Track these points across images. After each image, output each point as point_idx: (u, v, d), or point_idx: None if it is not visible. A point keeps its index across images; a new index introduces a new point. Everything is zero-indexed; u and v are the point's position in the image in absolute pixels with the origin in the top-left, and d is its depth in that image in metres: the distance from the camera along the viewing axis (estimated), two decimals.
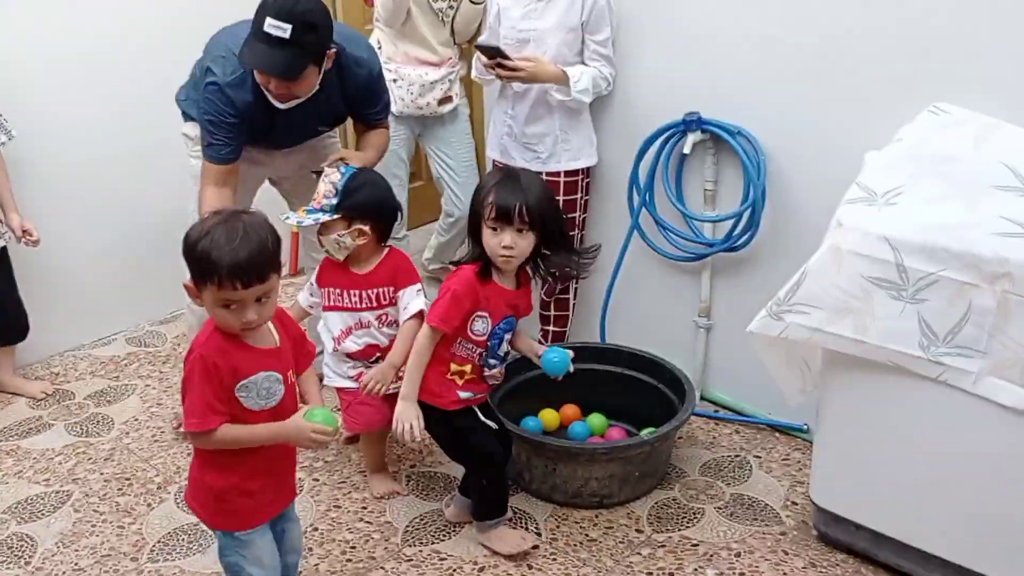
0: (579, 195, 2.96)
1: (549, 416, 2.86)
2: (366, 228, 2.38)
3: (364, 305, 2.47)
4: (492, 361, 2.26)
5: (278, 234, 1.73)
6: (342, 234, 2.37)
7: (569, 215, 2.94)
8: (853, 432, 2.18)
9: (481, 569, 2.33)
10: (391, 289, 2.45)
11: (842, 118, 2.48)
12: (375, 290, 2.46)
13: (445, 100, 3.25)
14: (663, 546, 2.40)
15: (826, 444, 2.26)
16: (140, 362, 3.44)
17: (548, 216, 2.11)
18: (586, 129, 2.92)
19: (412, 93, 3.19)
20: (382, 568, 2.34)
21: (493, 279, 2.17)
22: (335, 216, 2.35)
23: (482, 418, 2.33)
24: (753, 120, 2.66)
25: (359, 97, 2.69)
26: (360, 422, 2.56)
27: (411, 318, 2.39)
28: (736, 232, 2.75)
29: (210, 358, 1.71)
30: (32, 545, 2.45)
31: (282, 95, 2.49)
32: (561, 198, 2.91)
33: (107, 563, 2.37)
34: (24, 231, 2.95)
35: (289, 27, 2.30)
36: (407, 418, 2.17)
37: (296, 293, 2.72)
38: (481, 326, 2.19)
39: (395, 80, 3.19)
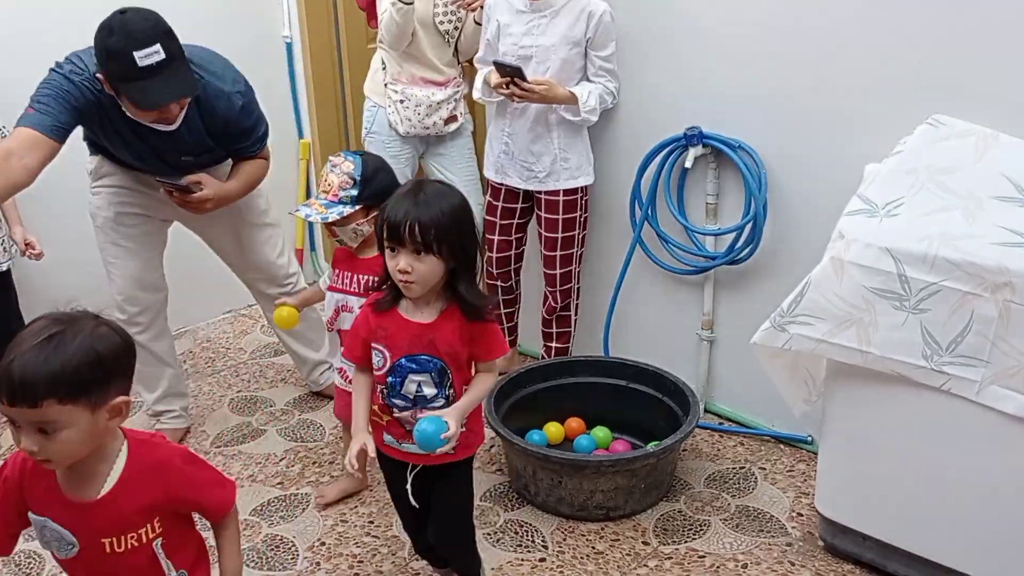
0: (578, 213, 2.98)
1: (554, 430, 2.87)
2: None
3: (352, 288, 2.41)
4: (396, 402, 1.91)
5: (113, 358, 1.40)
6: (361, 223, 2.32)
7: (568, 233, 2.97)
8: (858, 442, 2.19)
9: None
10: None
11: (842, 131, 2.51)
12: (367, 277, 2.37)
13: (451, 119, 3.28)
14: (670, 558, 2.41)
15: (831, 454, 2.27)
16: None
17: (449, 239, 1.76)
18: (584, 147, 2.93)
19: (419, 114, 3.22)
20: None
21: (397, 308, 1.87)
22: (357, 207, 2.29)
23: (408, 486, 1.97)
24: (753, 134, 2.69)
25: (222, 132, 2.55)
26: (340, 407, 2.57)
27: None
28: (738, 245, 2.77)
29: (14, 471, 1.47)
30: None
31: (170, 118, 2.41)
32: (560, 217, 2.93)
33: None
34: (27, 244, 2.98)
35: (158, 44, 2.25)
36: (347, 445, 2.00)
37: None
38: (377, 360, 1.90)
39: (402, 101, 3.22)
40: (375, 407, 1.95)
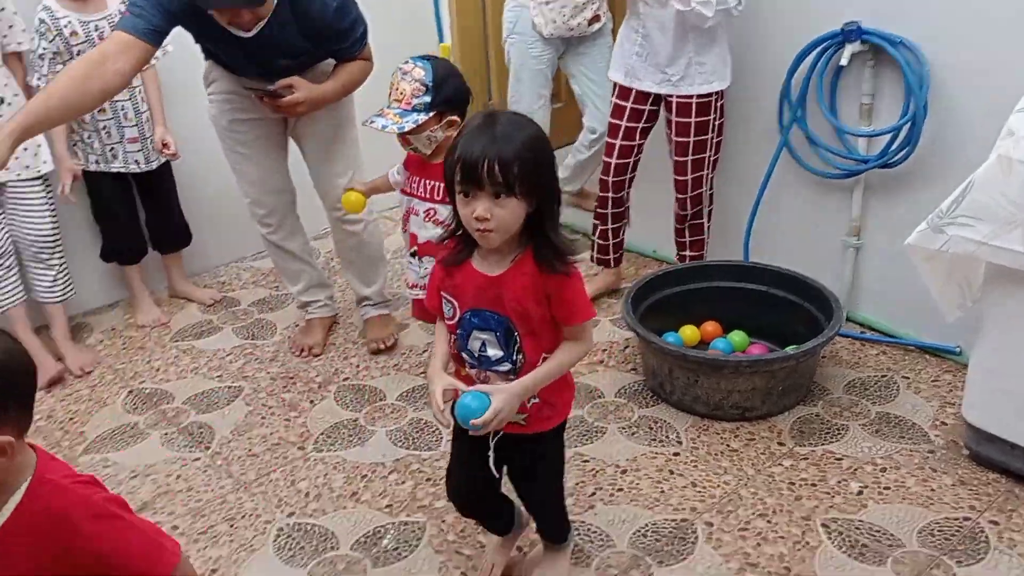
0: (712, 117, 2.86)
1: (689, 332, 2.89)
2: (456, 119, 2.30)
3: (420, 193, 2.41)
4: (465, 357, 1.73)
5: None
6: (434, 130, 2.28)
7: (700, 138, 2.87)
8: (1013, 349, 2.12)
9: (623, 472, 2.41)
10: None
11: (1012, 28, 2.35)
12: (433, 183, 2.35)
13: (594, 19, 3.25)
14: (806, 458, 2.42)
15: (983, 360, 2.21)
16: None
17: (533, 177, 1.53)
18: (720, 50, 2.81)
19: (564, 15, 3.19)
20: None
21: (470, 259, 1.65)
22: (431, 114, 2.25)
23: (490, 452, 1.74)
24: (916, 30, 2.55)
25: (316, 34, 2.50)
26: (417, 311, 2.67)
27: None
28: (893, 147, 2.67)
29: None
30: (211, 433, 2.68)
31: (242, 23, 2.40)
32: (693, 121, 2.84)
33: (277, 451, 2.58)
34: (164, 144, 3.09)
35: None
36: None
37: None
38: (447, 309, 1.72)
39: (546, 2, 3.20)
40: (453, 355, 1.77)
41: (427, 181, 2.39)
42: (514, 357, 1.67)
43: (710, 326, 2.92)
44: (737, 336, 2.85)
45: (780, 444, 2.48)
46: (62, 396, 2.90)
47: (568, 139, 4.19)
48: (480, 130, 1.53)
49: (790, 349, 2.57)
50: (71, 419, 2.78)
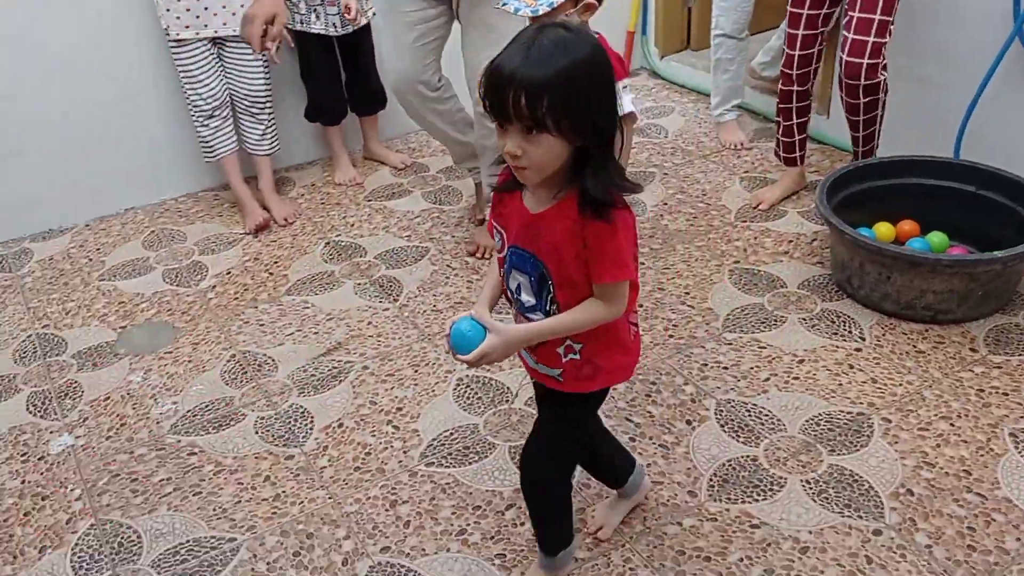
0: None
1: (884, 230, 2.76)
2: (594, 1, 2.19)
3: None
4: (509, 292, 1.55)
5: None
6: (570, 13, 2.16)
7: (885, 17, 2.59)
8: None
9: (800, 361, 2.38)
10: None
11: None
12: None
13: None
14: (999, 367, 2.30)
15: None
16: None
17: (573, 110, 1.28)
18: None
19: None
20: (702, 347, 2.46)
21: (521, 190, 1.46)
22: None
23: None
24: None
25: None
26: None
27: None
28: None
29: None
30: (399, 286, 2.84)
31: None
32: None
33: (459, 309, 2.70)
34: (346, 7, 3.10)
35: None
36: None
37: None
38: (496, 240, 1.54)
39: None
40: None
41: None
42: (547, 308, 1.47)
43: (907, 224, 2.77)
44: (936, 237, 2.70)
45: (972, 350, 2.37)
46: (267, 242, 3.14)
47: (772, 23, 4.00)
48: (519, 46, 1.28)
49: (997, 253, 2.42)
50: (275, 263, 3.02)
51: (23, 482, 2.18)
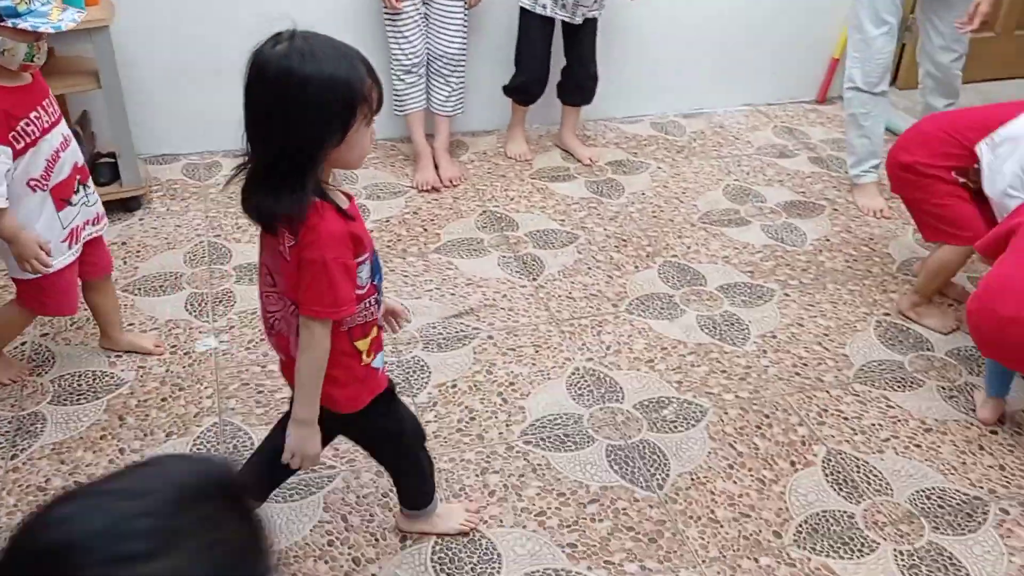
0: None
1: None
2: None
3: None
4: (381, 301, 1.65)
5: None
6: None
7: None
8: None
9: (927, 430, 2.27)
10: None
11: None
12: None
13: None
14: None
15: None
16: (658, 145, 3.72)
17: (261, 129, 1.41)
18: None
19: None
20: (827, 392, 2.39)
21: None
22: None
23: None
24: None
25: None
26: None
27: None
28: None
29: None
30: (541, 267, 2.90)
31: None
32: None
33: (593, 301, 2.74)
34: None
35: None
36: (309, 449, 1.60)
37: None
38: (365, 273, 1.55)
39: None
40: (366, 338, 1.64)
41: None
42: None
43: None
44: None
45: None
46: (429, 199, 3.28)
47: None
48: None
49: None
50: (432, 220, 3.15)
51: (167, 371, 2.40)
